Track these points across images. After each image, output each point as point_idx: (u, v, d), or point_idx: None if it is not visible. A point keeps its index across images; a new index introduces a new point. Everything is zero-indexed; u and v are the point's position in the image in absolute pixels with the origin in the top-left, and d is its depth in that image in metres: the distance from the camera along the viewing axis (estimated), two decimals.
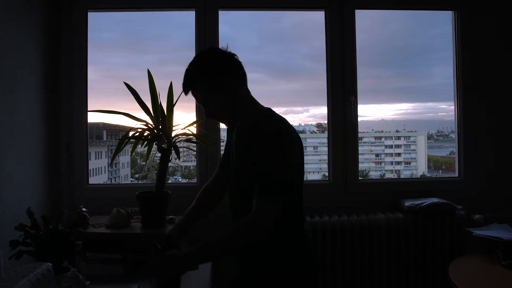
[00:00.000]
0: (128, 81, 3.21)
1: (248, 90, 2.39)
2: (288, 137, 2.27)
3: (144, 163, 4.71)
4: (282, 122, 2.34)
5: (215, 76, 2.25)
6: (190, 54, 3.82)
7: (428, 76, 4.70)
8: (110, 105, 3.58)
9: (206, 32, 3.91)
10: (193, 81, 2.30)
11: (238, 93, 2.32)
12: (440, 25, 4.43)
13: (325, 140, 4.15)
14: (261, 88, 4.35)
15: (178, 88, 3.25)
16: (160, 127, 3.24)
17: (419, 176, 5.01)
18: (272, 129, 2.26)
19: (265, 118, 2.35)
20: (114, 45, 4.44)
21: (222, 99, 2.28)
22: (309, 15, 4.44)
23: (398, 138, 5.16)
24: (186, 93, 2.35)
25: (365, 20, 4.09)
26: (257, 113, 2.38)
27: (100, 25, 4.06)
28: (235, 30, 4.27)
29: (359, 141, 4.11)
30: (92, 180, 4.08)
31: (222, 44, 3.89)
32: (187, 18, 4.08)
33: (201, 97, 2.32)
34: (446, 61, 4.25)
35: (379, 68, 4.59)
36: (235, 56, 2.32)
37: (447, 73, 4.28)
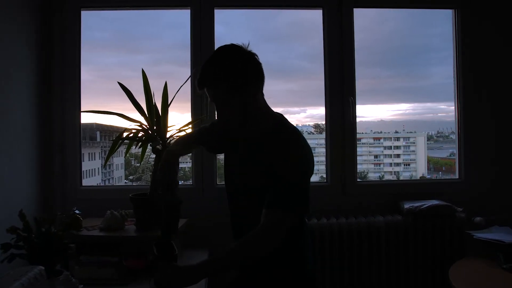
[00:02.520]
0: (121, 81, 3.22)
1: (263, 94, 2.35)
2: (307, 148, 2.28)
3: (138, 164, 4.71)
4: (299, 132, 2.36)
5: (236, 79, 2.17)
6: (184, 54, 3.85)
7: (426, 76, 4.72)
8: (103, 106, 3.59)
9: (202, 31, 3.92)
10: (211, 79, 2.21)
11: (255, 100, 2.27)
12: (438, 24, 4.45)
13: (323, 141, 4.16)
14: None
15: (172, 88, 3.26)
16: (155, 127, 3.25)
17: (418, 177, 5.02)
18: (294, 139, 2.28)
19: (283, 128, 2.35)
20: (106, 44, 4.44)
21: (237, 105, 2.22)
22: (303, 14, 4.46)
23: (397, 139, 5.16)
24: (200, 89, 2.26)
25: (362, 19, 4.10)
26: (272, 121, 2.37)
27: (91, 24, 4.06)
28: (229, 29, 4.28)
29: (357, 142, 4.13)
30: (86, 181, 4.09)
31: (217, 43, 3.93)
32: (179, 17, 4.09)
33: (214, 97, 2.25)
34: (445, 61, 4.27)
35: (376, 68, 4.60)
36: (256, 57, 2.26)
37: (446, 73, 4.30)
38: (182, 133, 3.37)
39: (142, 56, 4.58)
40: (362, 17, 4.08)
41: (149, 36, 4.45)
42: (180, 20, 4.06)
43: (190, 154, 4.02)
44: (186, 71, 3.93)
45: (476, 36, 4.08)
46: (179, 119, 3.83)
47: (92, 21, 4.07)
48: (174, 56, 4.43)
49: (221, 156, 3.61)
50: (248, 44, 2.25)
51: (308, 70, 4.62)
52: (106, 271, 2.91)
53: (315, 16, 4.12)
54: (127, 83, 3.18)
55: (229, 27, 4.28)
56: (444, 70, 4.47)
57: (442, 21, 4.31)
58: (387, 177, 5.01)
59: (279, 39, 4.54)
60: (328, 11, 4.03)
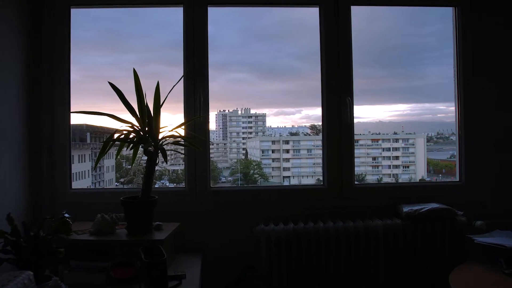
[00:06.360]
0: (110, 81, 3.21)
1: None
2: None
3: (129, 166, 4.71)
4: None
5: None
6: (174, 53, 3.87)
7: (422, 76, 4.74)
8: (92, 106, 3.60)
9: (195, 29, 3.93)
10: None
11: None
12: (431, 23, 4.48)
13: (320, 143, 4.18)
14: (250, 89, 4.36)
15: (165, 88, 3.26)
16: (147, 129, 3.25)
17: (418, 180, 5.03)
18: None
19: None
20: (93, 44, 4.44)
21: None
22: (292, 13, 4.49)
23: (396, 140, 5.17)
24: None
25: (354, 19, 4.09)
26: None
27: (78, 23, 4.05)
28: (218, 28, 4.28)
29: (355, 143, 4.13)
30: (75, 184, 4.09)
31: (211, 42, 3.94)
32: (168, 16, 4.11)
33: None
34: (441, 61, 4.30)
35: (371, 68, 4.62)
36: None
37: (442, 73, 4.34)
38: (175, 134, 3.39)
39: (130, 56, 4.58)
40: (354, 16, 4.08)
41: (137, 36, 4.46)
42: (168, 19, 4.08)
43: (183, 156, 4.03)
44: (176, 71, 3.95)
45: (477, 35, 4.10)
46: (171, 120, 3.84)
47: (78, 20, 4.07)
48: (164, 56, 4.44)
49: (215, 158, 3.62)
50: None
51: (302, 70, 4.63)
52: (96, 277, 2.92)
53: (304, 15, 4.15)
54: (116, 83, 3.17)
55: (218, 26, 4.28)
56: (440, 70, 4.51)
57: (436, 20, 4.34)
58: (386, 179, 5.02)
59: (269, 38, 4.56)
60: (324, 9, 4.05)
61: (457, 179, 4.23)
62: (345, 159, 4.05)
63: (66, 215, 3.27)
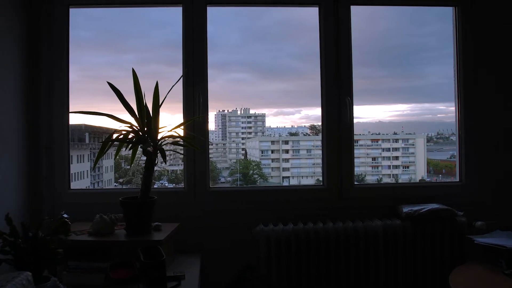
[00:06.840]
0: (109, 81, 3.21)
1: None
2: None
3: (128, 167, 4.71)
4: None
5: None
6: (173, 53, 3.87)
7: (422, 76, 4.74)
8: (91, 106, 3.59)
9: (194, 28, 3.93)
10: None
11: None
12: (431, 23, 4.48)
13: (319, 143, 4.17)
14: (250, 89, 4.36)
15: (164, 88, 3.26)
16: (146, 129, 3.25)
17: (418, 180, 5.03)
18: None
19: None
20: (92, 44, 4.44)
21: None
22: (293, 13, 4.49)
23: (396, 140, 5.17)
24: None
25: (353, 18, 4.09)
26: None
27: (77, 23, 4.05)
28: (217, 28, 4.28)
29: (355, 144, 4.13)
30: (74, 185, 4.09)
31: (210, 42, 3.94)
32: (166, 16, 4.10)
33: None
34: (441, 60, 4.29)
35: (370, 68, 4.62)
36: None
37: (442, 73, 4.33)
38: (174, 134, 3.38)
39: (129, 56, 4.58)
40: (354, 16, 4.08)
41: (136, 35, 4.45)
42: (167, 18, 4.07)
43: (182, 156, 4.02)
44: (175, 71, 3.95)
45: (478, 34, 4.10)
46: (170, 120, 3.84)
47: (77, 20, 4.06)
48: (162, 56, 4.44)
49: (214, 158, 3.61)
50: None
51: (301, 70, 4.63)
52: (95, 277, 2.92)
53: (304, 15, 4.15)
54: (115, 83, 3.16)
55: (218, 26, 4.28)
56: (440, 70, 4.51)
57: (436, 20, 4.33)
58: (386, 180, 5.02)
59: (269, 38, 4.56)
60: (324, 9, 4.05)
61: (457, 180, 4.23)
62: (345, 160, 4.04)
63: (65, 215, 3.27)
